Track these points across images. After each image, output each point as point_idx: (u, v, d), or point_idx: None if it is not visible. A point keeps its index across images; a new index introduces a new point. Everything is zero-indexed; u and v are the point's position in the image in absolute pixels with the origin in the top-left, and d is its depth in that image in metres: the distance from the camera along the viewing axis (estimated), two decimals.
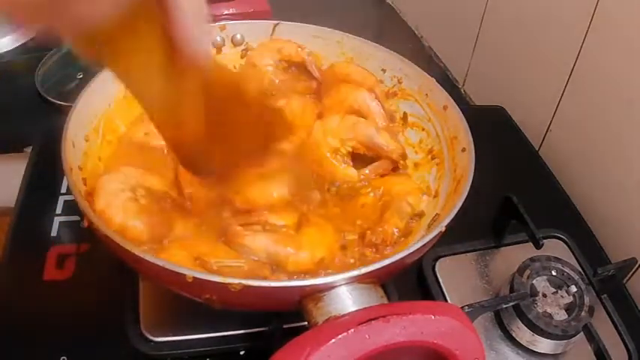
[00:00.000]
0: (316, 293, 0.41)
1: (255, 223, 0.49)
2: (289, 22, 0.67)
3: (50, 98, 0.86)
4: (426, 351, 0.39)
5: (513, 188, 0.63)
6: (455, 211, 0.47)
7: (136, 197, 0.49)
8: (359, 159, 0.60)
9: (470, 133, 0.56)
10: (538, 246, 0.59)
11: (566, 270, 0.59)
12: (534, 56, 0.83)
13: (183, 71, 0.33)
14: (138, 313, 0.55)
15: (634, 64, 0.65)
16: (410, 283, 0.63)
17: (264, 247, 0.48)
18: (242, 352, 0.56)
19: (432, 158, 0.61)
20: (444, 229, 0.46)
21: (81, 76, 0.89)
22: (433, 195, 0.57)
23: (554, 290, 0.58)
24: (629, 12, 0.65)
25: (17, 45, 0.98)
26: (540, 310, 0.56)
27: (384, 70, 0.66)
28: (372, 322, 0.37)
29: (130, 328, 0.55)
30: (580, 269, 0.61)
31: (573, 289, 0.58)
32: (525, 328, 0.56)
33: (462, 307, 0.53)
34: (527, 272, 0.59)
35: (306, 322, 0.42)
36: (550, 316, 0.56)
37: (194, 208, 0.52)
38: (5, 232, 0.65)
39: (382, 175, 0.60)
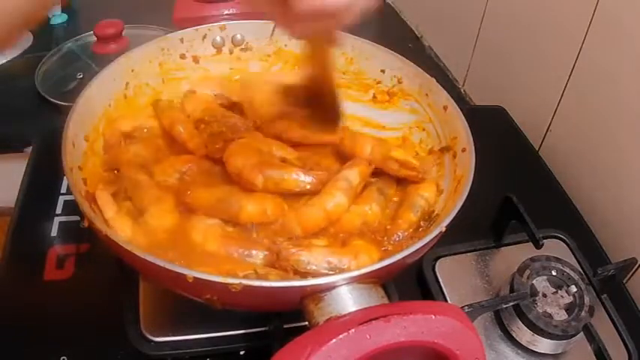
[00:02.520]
0: (317, 293, 0.41)
1: (305, 245, 0.50)
2: None
3: (50, 98, 0.86)
4: (426, 351, 0.39)
5: (513, 188, 0.63)
6: (455, 211, 0.47)
7: (223, 226, 0.52)
8: None
9: (470, 133, 0.56)
10: (538, 246, 0.59)
11: (566, 270, 0.59)
12: (534, 56, 0.83)
13: None
14: (138, 313, 0.55)
15: (634, 64, 0.65)
16: (410, 283, 0.63)
17: (323, 258, 0.48)
18: (242, 352, 0.56)
19: (433, 158, 0.60)
20: (444, 229, 0.46)
21: (81, 76, 0.89)
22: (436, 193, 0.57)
23: (554, 290, 0.58)
24: (629, 12, 0.65)
25: (14, 56, 0.98)
26: (540, 310, 0.56)
27: (383, 71, 0.66)
28: (373, 322, 0.37)
29: (130, 328, 0.55)
30: (580, 269, 0.61)
31: (573, 289, 0.58)
32: (525, 328, 0.56)
33: (462, 307, 0.53)
34: (527, 272, 0.59)
35: (306, 322, 0.42)
36: (550, 316, 0.56)
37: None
38: (5, 232, 0.65)
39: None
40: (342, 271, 0.47)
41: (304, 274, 0.47)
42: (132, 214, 0.51)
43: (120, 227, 0.50)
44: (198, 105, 0.64)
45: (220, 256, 0.49)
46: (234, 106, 0.65)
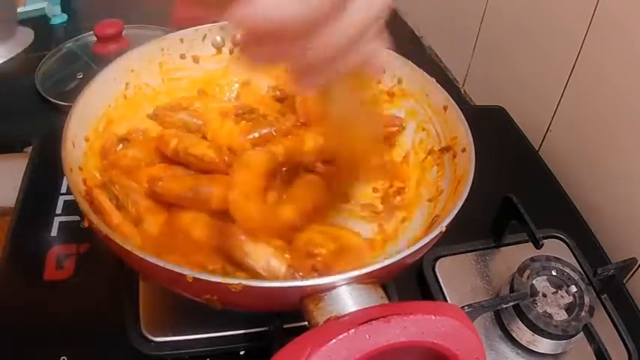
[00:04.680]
0: (317, 293, 0.41)
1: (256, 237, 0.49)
2: None
3: (50, 98, 0.86)
4: (426, 351, 0.39)
5: (513, 188, 0.63)
6: (455, 211, 0.47)
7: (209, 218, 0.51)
8: None
9: (470, 133, 0.56)
10: (538, 246, 0.59)
11: (566, 270, 0.59)
12: (534, 56, 0.83)
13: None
14: (138, 313, 0.55)
15: (634, 64, 0.65)
16: (410, 283, 0.63)
17: (264, 256, 0.47)
18: (242, 352, 0.56)
19: (433, 158, 0.60)
20: (444, 229, 0.46)
21: (81, 76, 0.89)
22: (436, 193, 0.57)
23: (554, 290, 0.58)
24: (629, 12, 0.65)
25: (12, 55, 0.98)
26: (540, 310, 0.56)
27: (383, 71, 0.66)
28: (373, 322, 0.37)
29: (130, 328, 0.55)
30: (580, 269, 0.61)
31: (573, 289, 0.58)
32: (525, 328, 0.56)
33: (462, 307, 0.53)
34: (527, 272, 0.59)
35: (306, 322, 0.42)
36: (550, 316, 0.56)
37: None
38: (5, 232, 0.65)
39: None
40: (276, 277, 0.47)
41: (244, 268, 0.47)
42: (133, 221, 0.51)
43: (130, 234, 0.50)
44: (251, 97, 0.65)
45: (202, 244, 0.49)
46: (285, 100, 0.66)
